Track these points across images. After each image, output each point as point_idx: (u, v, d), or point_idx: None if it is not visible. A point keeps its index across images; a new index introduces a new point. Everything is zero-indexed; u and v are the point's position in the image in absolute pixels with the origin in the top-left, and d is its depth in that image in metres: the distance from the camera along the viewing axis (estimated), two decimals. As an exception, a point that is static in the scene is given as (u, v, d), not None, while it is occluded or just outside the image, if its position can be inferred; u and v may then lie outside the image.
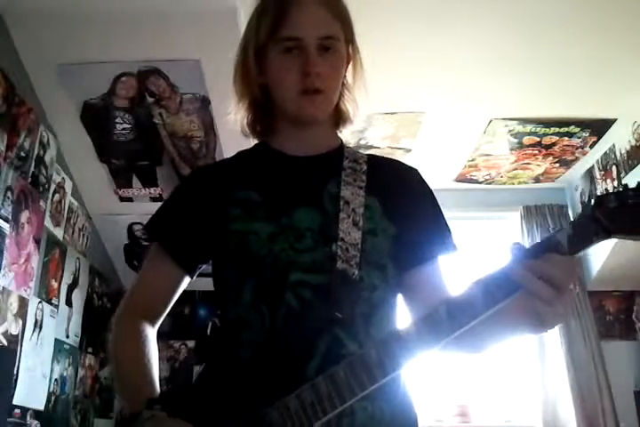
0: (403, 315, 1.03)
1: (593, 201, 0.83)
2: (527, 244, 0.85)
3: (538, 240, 0.86)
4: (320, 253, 0.95)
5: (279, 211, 0.99)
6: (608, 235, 0.81)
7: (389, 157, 1.19)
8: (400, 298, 1.05)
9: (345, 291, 0.92)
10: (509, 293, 0.81)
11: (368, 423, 0.90)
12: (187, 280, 1.08)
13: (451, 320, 0.82)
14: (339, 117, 1.10)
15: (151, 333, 1.05)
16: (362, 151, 1.15)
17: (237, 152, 1.16)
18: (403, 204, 1.04)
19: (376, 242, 0.99)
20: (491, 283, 0.82)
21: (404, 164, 1.14)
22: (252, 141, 1.19)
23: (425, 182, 1.11)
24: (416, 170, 1.13)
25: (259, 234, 0.97)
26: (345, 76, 1.07)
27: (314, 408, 0.82)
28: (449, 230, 1.08)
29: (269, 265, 0.95)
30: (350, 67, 1.07)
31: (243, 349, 0.94)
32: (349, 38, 1.05)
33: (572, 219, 0.79)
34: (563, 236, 0.82)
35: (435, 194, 1.10)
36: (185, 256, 1.06)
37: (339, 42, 1.02)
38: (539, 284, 0.79)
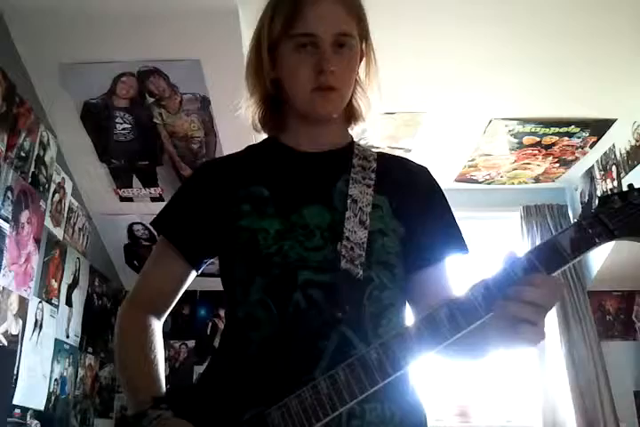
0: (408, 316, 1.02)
1: (597, 202, 0.81)
2: (527, 244, 0.84)
3: (538, 241, 0.85)
4: (328, 251, 0.94)
5: (288, 208, 0.97)
6: (612, 237, 0.79)
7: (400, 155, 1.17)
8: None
9: (349, 291, 0.91)
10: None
11: (377, 424, 0.89)
12: (193, 275, 1.07)
13: (451, 323, 0.80)
14: (350, 114, 1.09)
15: (157, 326, 1.04)
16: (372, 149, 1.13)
17: (247, 146, 1.14)
18: (412, 203, 1.03)
19: (385, 242, 0.97)
20: (491, 287, 0.81)
21: (414, 162, 1.12)
22: (255, 138, 1.18)
23: (435, 181, 1.09)
24: (426, 169, 1.11)
25: (268, 231, 0.95)
26: (358, 73, 1.05)
27: (314, 409, 0.81)
28: (459, 231, 1.07)
29: (278, 263, 0.94)
30: (363, 63, 1.06)
31: (251, 348, 0.92)
32: (364, 35, 1.04)
33: (572, 219, 0.77)
34: (565, 238, 0.80)
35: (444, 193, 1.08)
36: (191, 250, 1.05)
37: (353, 39, 1.00)
38: (520, 309, 0.78)
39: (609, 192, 3.30)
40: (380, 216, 0.99)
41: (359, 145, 1.11)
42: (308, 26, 0.97)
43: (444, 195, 1.08)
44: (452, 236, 1.06)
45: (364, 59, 1.06)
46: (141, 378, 0.96)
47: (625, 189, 0.83)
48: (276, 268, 0.94)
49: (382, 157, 1.08)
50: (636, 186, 0.81)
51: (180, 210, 1.08)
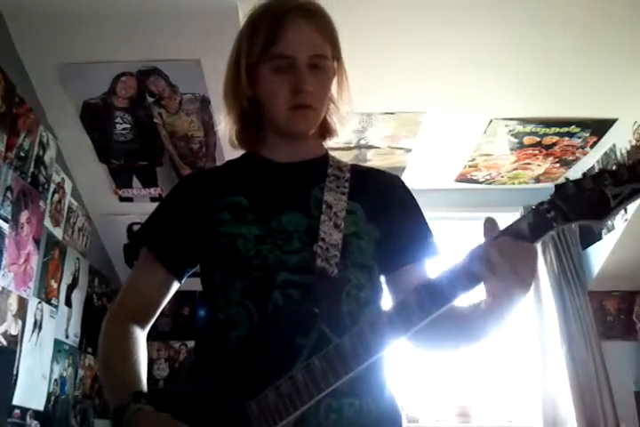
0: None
1: (553, 188, 0.87)
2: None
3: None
4: (306, 253, 0.99)
5: (268, 215, 1.02)
6: (567, 220, 0.85)
7: (371, 165, 1.25)
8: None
9: (325, 288, 0.95)
10: (472, 283, 0.87)
11: (355, 419, 0.92)
12: (175, 285, 1.11)
13: (421, 308, 0.86)
14: (324, 129, 1.15)
15: (141, 335, 1.07)
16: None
17: (226, 161, 1.20)
18: (386, 209, 1.08)
19: (361, 244, 1.02)
20: (458, 271, 0.87)
21: (386, 172, 1.19)
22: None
23: (407, 188, 1.16)
24: (398, 177, 1.19)
25: (246, 236, 1.00)
26: (330, 91, 1.12)
27: (292, 399, 0.85)
28: (432, 234, 1.12)
29: (257, 266, 0.98)
30: (335, 81, 1.12)
31: (231, 346, 0.96)
32: (336, 55, 1.11)
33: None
34: (524, 223, 0.86)
35: (418, 200, 1.15)
36: (173, 261, 1.09)
37: (328, 60, 1.07)
38: (499, 259, 0.84)
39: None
40: (355, 220, 1.04)
41: (333, 157, 1.17)
42: (286, 48, 1.03)
43: (416, 201, 1.15)
44: (426, 239, 1.12)
45: (337, 77, 1.12)
46: (123, 376, 0.99)
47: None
48: (255, 271, 0.98)
49: (356, 168, 1.15)
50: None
51: (161, 222, 1.13)
